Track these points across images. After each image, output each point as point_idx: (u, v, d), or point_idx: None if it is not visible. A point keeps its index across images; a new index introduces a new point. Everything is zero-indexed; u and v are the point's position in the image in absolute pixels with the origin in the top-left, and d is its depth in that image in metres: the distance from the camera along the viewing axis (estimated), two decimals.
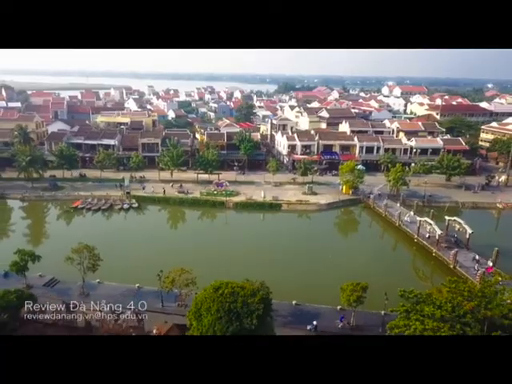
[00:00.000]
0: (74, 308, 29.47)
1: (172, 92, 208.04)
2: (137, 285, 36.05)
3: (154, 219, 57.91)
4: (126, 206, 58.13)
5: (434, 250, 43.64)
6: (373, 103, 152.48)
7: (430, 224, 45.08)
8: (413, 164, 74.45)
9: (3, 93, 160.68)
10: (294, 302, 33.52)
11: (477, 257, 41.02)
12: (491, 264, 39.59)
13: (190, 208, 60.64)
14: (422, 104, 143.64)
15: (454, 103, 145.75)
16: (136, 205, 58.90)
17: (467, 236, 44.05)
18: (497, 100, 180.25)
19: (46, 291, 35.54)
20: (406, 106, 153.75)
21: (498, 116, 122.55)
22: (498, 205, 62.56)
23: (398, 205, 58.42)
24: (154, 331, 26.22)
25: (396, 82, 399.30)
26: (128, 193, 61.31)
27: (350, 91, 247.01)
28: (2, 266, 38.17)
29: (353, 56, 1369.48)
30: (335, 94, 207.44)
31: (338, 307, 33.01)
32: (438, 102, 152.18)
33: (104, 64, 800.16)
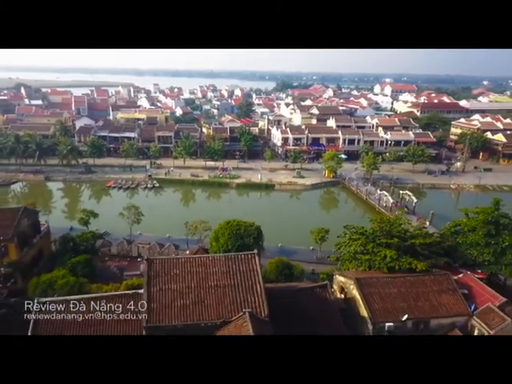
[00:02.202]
0: (131, 242, 43.64)
1: (176, 90, 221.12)
2: (167, 235, 50.08)
3: (172, 195, 72.10)
4: (149, 186, 72.24)
5: (388, 214, 57.68)
6: (363, 101, 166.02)
7: (386, 195, 59.18)
8: (387, 153, 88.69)
9: (22, 91, 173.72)
10: (279, 245, 47.52)
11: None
12: (428, 224, 53.63)
13: (200, 188, 74.78)
14: (406, 102, 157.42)
15: (436, 101, 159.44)
16: (157, 185, 72.99)
17: (413, 204, 58.19)
18: (480, 98, 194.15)
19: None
20: (392, 103, 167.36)
21: (473, 113, 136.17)
22: (451, 186, 76.62)
23: (369, 185, 72.35)
24: (187, 252, 40.30)
25: (393, 79, 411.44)
26: (150, 176, 75.36)
27: (345, 89, 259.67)
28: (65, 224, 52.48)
29: (352, 54, 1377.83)
30: (330, 92, 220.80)
31: (311, 247, 47.07)
32: (422, 100, 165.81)
33: (104, 61, 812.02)
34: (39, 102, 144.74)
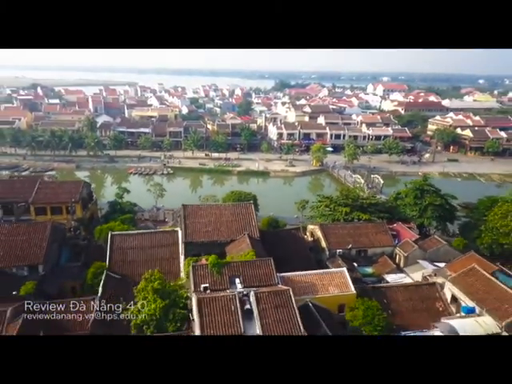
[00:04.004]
0: (159, 209, 57.56)
1: (180, 89, 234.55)
2: None
3: (184, 180, 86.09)
4: (165, 172, 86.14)
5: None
6: (354, 100, 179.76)
7: (359, 178, 73.16)
8: (368, 146, 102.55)
9: (39, 90, 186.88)
10: (271, 213, 61.19)
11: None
12: None
13: (207, 174, 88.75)
14: (393, 101, 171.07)
15: (421, 100, 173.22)
16: (171, 172, 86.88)
17: (381, 185, 72.14)
18: (465, 97, 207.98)
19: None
20: (381, 102, 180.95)
21: (453, 111, 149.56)
22: (419, 173, 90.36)
23: (349, 172, 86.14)
24: None
25: (391, 77, 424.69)
26: (164, 164, 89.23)
27: (338, 89, 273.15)
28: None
29: (351, 53, 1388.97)
30: (325, 92, 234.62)
31: (295, 216, 60.89)
32: (409, 99, 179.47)
33: (105, 59, 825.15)
34: (57, 100, 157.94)
